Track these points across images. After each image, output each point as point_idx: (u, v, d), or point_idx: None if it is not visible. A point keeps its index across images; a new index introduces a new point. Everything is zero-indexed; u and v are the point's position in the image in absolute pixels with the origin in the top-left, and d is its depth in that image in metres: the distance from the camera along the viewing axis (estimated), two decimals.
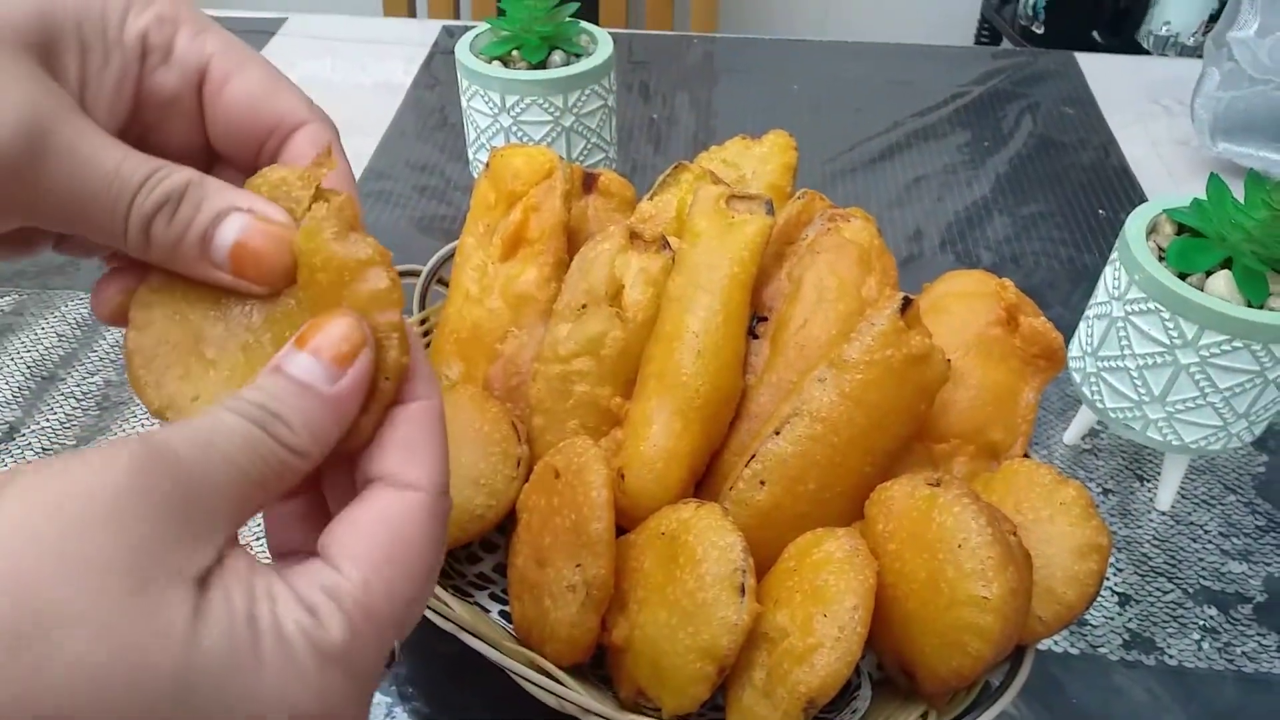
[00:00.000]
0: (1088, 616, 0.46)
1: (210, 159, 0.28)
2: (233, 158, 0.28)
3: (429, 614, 0.38)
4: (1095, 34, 1.12)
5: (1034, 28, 1.15)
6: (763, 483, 0.38)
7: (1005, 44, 1.25)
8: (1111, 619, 0.46)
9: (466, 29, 0.93)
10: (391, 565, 0.22)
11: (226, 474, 0.21)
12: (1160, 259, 0.45)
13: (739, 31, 1.37)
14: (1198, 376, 0.44)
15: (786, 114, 0.82)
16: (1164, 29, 1.01)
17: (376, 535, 0.22)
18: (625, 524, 0.40)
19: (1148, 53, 1.07)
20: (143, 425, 0.55)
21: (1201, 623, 0.46)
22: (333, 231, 0.24)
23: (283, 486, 0.22)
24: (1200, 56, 0.72)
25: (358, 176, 0.73)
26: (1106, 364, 0.47)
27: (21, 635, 0.17)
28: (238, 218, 0.24)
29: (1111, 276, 0.47)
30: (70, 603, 0.17)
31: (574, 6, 0.61)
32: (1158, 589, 0.48)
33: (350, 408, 0.23)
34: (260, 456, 0.21)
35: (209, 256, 0.24)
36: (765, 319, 0.43)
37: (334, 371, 0.23)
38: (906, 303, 0.37)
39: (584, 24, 0.62)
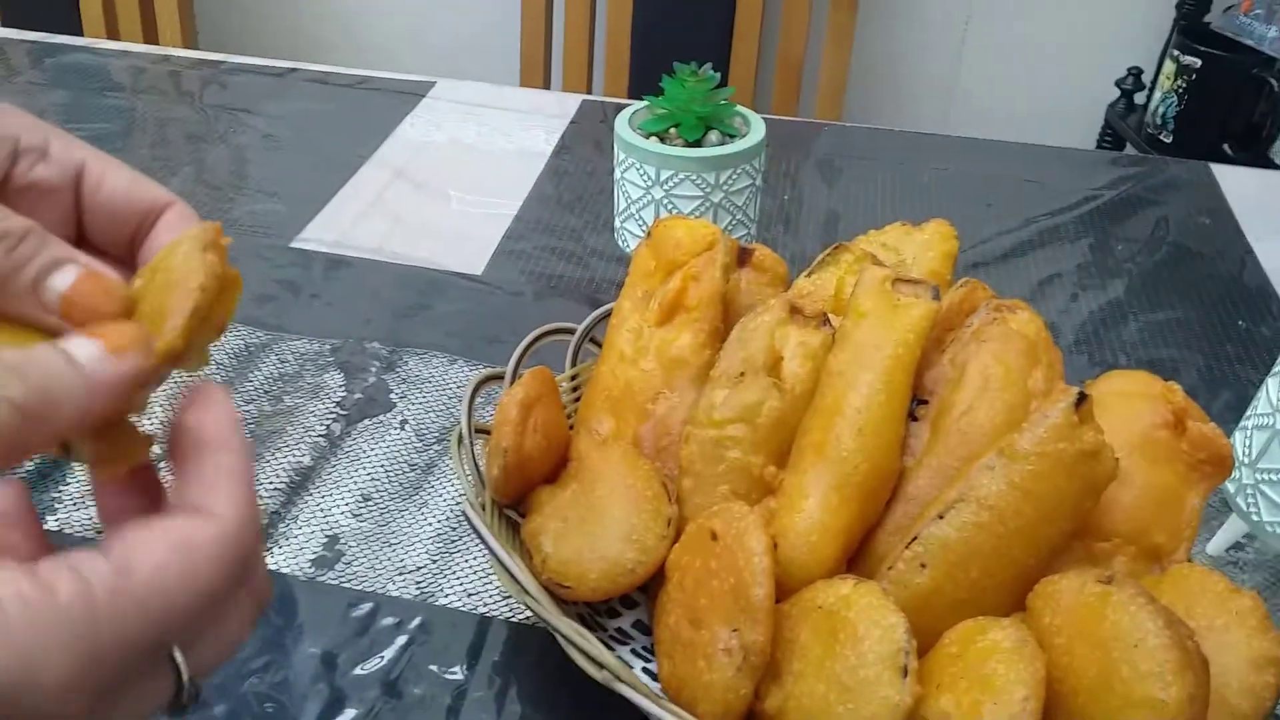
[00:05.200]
0: None
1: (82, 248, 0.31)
2: (106, 246, 0.31)
3: (584, 663, 0.39)
4: (1226, 147, 1.11)
5: (1161, 136, 1.15)
6: (924, 565, 0.38)
7: (1129, 149, 1.25)
8: None
9: (602, 103, 0.97)
10: (163, 569, 0.23)
11: None
12: None
13: (862, 120, 1.40)
14: None
15: (915, 204, 0.83)
16: None
17: (154, 536, 0.24)
18: (775, 594, 0.40)
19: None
20: (294, 455, 0.57)
21: None
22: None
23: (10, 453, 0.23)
24: None
25: (500, 236, 0.76)
26: (1266, 477, 0.46)
27: None
28: (72, 267, 0.27)
29: (1276, 388, 0.46)
30: None
31: (731, 90, 0.63)
32: None
33: (107, 390, 0.24)
34: None
35: (39, 297, 0.27)
36: (925, 402, 0.44)
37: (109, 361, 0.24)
38: (1082, 398, 0.37)
39: (738, 107, 0.65)
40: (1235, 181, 0.86)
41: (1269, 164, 1.08)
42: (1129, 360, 0.67)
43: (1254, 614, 0.35)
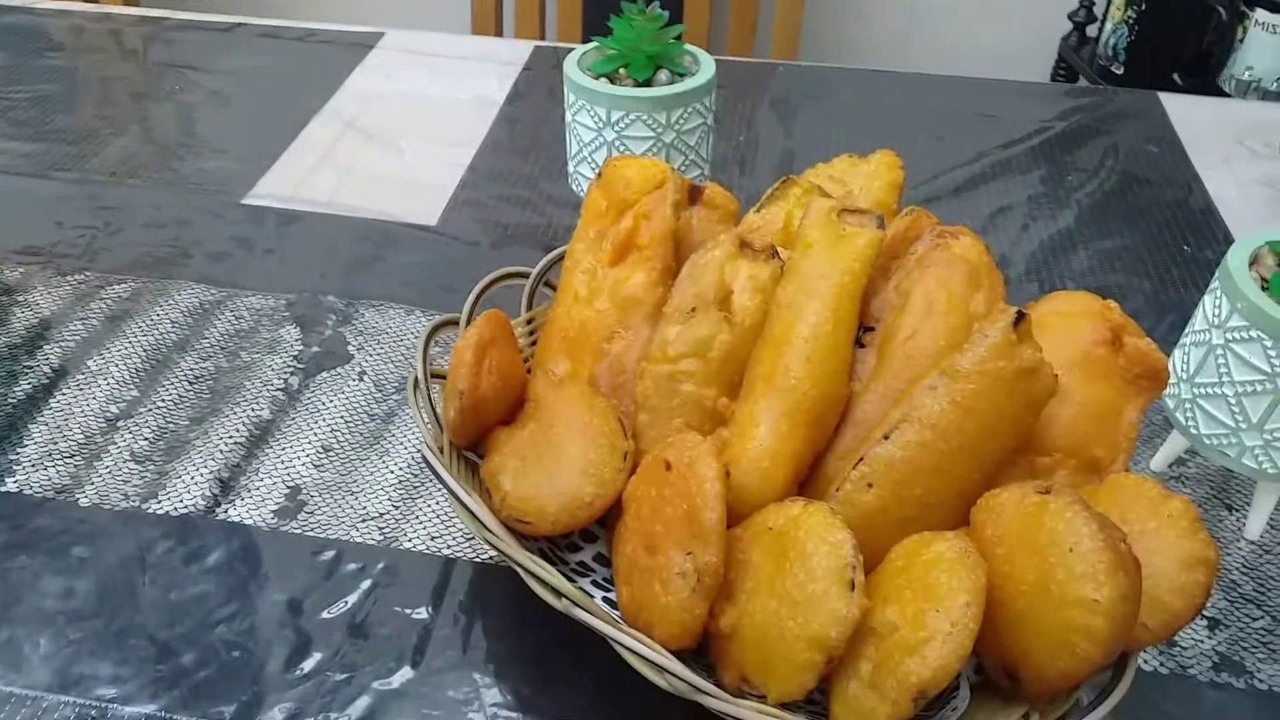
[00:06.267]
0: (1177, 638, 0.47)
1: None
2: None
3: (543, 593, 0.39)
4: (1175, 76, 1.12)
5: (1113, 68, 1.15)
6: (870, 485, 0.39)
7: (1082, 82, 1.26)
8: (1200, 642, 0.47)
9: (555, 49, 0.96)
10: None
11: None
12: (1263, 289, 0.46)
13: (819, 60, 1.40)
14: None
15: (870, 142, 0.83)
16: (1246, 74, 1.02)
17: None
18: (729, 520, 0.41)
19: (1229, 96, 1.07)
20: (252, 410, 0.57)
21: None
22: None
23: None
24: None
25: (454, 185, 0.76)
26: (1203, 390, 0.48)
27: None
28: None
29: (1211, 305, 0.47)
30: None
31: (680, 28, 0.63)
32: (1247, 615, 0.48)
33: None
34: None
35: None
36: (872, 329, 0.44)
37: None
38: (1020, 317, 0.38)
39: (688, 45, 0.65)
40: (1182, 110, 0.87)
41: (1217, 92, 1.09)
42: (1077, 287, 0.68)
43: (1185, 517, 0.37)
